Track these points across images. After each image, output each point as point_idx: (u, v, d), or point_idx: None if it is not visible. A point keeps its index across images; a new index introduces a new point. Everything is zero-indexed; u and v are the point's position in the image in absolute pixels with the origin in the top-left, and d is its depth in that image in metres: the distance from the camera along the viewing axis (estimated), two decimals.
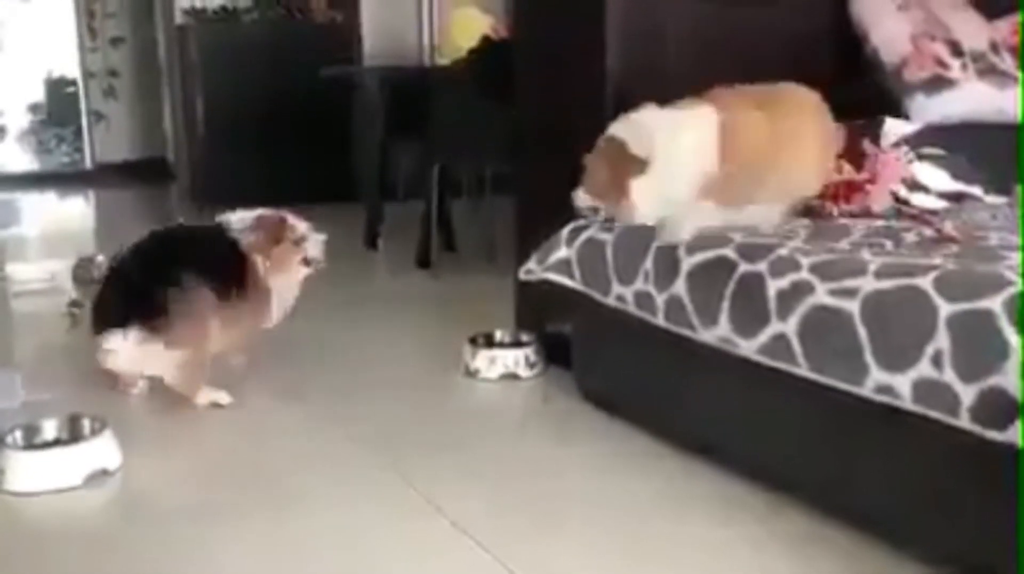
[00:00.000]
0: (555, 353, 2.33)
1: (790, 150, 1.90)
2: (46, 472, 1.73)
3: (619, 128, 1.94)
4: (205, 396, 2.15)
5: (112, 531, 1.63)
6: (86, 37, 7.16)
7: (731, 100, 1.91)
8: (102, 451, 1.79)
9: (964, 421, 1.29)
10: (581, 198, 1.99)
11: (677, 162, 1.86)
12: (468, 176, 4.67)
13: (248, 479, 1.81)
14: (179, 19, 5.62)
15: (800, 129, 1.93)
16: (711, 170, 1.84)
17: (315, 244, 2.33)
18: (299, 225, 2.33)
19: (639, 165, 1.86)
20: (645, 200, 1.88)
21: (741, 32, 2.36)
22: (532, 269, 2.11)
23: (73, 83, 7.14)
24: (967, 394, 1.28)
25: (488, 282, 3.07)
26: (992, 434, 1.25)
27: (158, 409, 2.21)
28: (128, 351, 2.05)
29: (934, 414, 1.33)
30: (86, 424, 1.86)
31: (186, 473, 1.84)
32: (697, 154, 1.86)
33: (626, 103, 2.26)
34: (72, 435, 1.85)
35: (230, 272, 2.18)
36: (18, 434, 1.84)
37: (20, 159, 7.09)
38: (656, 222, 1.88)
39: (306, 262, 2.32)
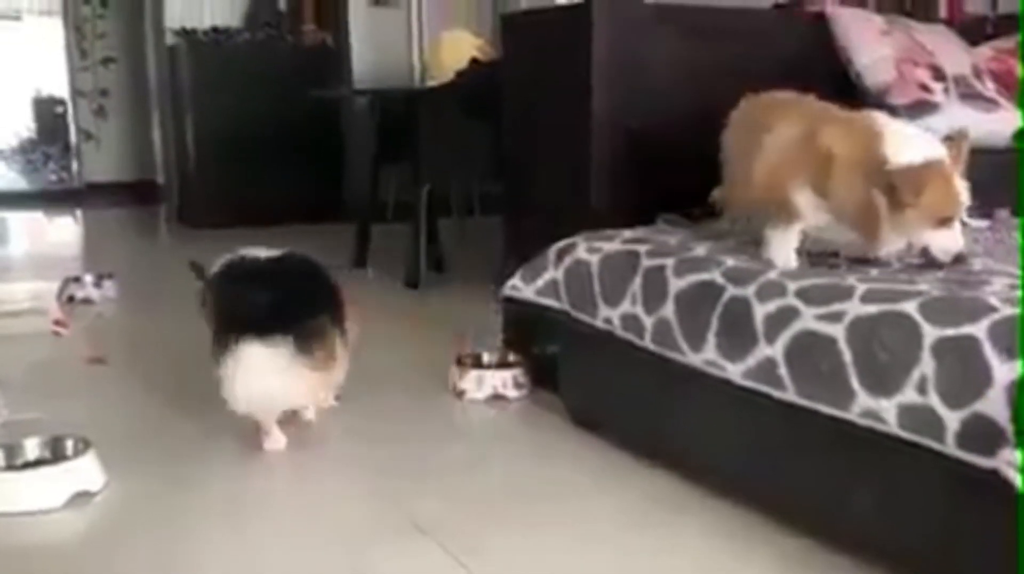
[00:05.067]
0: (544, 375, 2.33)
1: None
2: (27, 493, 1.71)
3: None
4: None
5: (91, 554, 1.61)
6: (76, 57, 7.17)
7: None
8: (84, 472, 1.77)
9: (950, 447, 1.29)
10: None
11: None
12: (457, 197, 4.69)
13: (231, 502, 1.80)
14: (170, 40, 5.64)
15: None
16: None
17: None
18: None
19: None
20: None
21: (727, 60, 2.39)
22: (518, 286, 2.11)
23: (62, 103, 7.15)
24: (952, 420, 1.28)
25: (476, 302, 3.07)
26: (978, 460, 1.25)
27: (141, 430, 2.19)
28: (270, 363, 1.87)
29: (920, 440, 1.33)
30: (69, 445, 1.84)
31: (170, 496, 1.82)
32: None
33: (611, 129, 2.29)
34: (54, 455, 1.83)
35: None
36: (0, 454, 1.82)
37: (8, 178, 7.08)
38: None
39: None
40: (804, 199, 1.69)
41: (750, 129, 1.87)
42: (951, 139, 1.65)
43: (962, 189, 1.58)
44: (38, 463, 1.82)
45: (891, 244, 1.64)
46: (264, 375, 1.86)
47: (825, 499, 1.52)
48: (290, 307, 1.91)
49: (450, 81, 3.72)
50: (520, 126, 2.60)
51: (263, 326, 1.86)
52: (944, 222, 1.58)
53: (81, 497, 1.74)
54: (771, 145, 1.76)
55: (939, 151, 1.60)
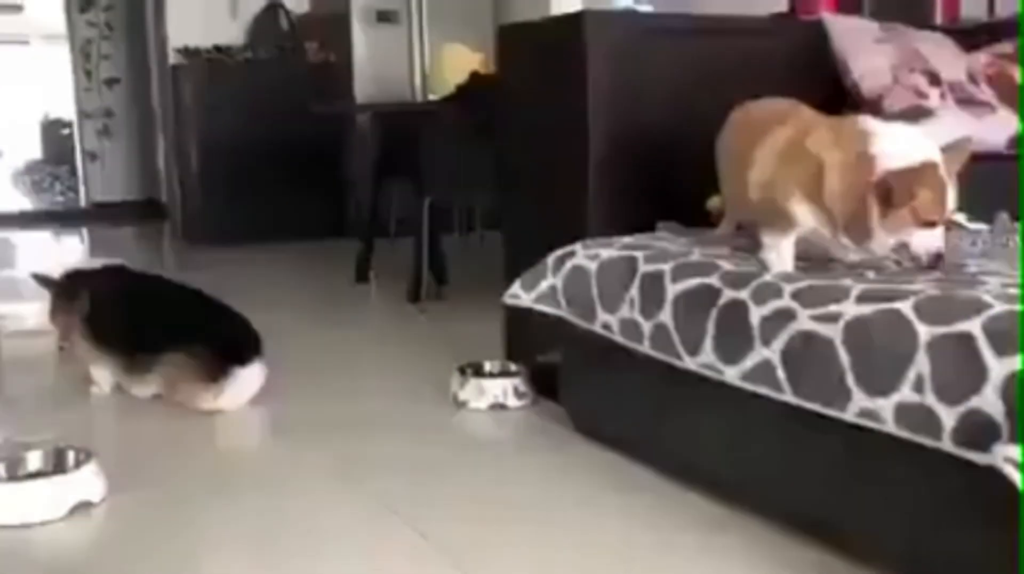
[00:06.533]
0: (546, 384, 2.33)
1: None
2: (28, 504, 1.71)
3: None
4: None
5: (92, 565, 1.62)
6: (82, 78, 7.24)
7: None
8: (86, 483, 1.78)
9: (946, 444, 1.29)
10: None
11: None
12: (459, 211, 4.71)
13: (233, 514, 1.80)
14: (173, 59, 5.69)
15: None
16: None
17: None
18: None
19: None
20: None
21: (724, 68, 2.40)
22: (517, 293, 2.12)
23: (68, 124, 7.22)
24: (948, 417, 1.28)
25: (479, 315, 3.07)
26: (974, 456, 1.25)
27: (146, 443, 2.20)
28: (257, 378, 2.39)
29: (917, 438, 1.33)
30: (70, 456, 1.85)
31: (171, 508, 1.82)
32: None
33: (607, 139, 2.30)
34: (56, 467, 1.84)
35: None
36: (1, 466, 1.83)
37: (15, 198, 7.14)
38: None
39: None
40: (799, 205, 1.70)
41: (744, 137, 1.88)
42: (952, 147, 1.66)
43: (950, 194, 1.59)
44: (39, 475, 1.82)
45: (879, 244, 1.64)
46: (255, 385, 2.40)
47: (824, 499, 1.52)
48: (251, 331, 2.43)
49: (450, 94, 3.75)
50: (517, 138, 2.61)
51: (256, 351, 2.39)
52: (928, 224, 1.59)
53: (82, 508, 1.75)
54: (765, 153, 1.77)
55: (931, 152, 1.61)
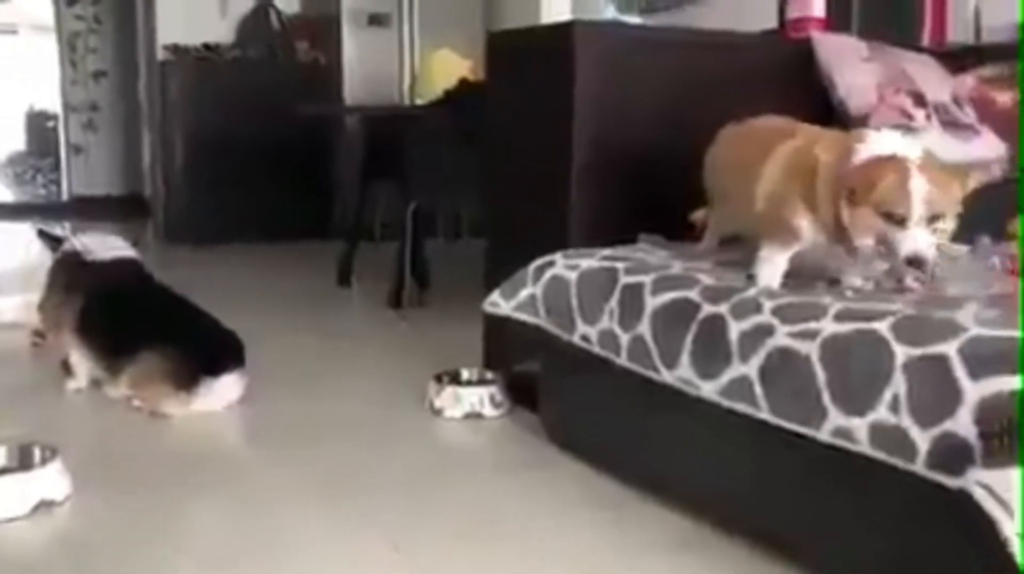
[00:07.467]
0: (523, 393, 2.31)
1: None
2: None
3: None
4: None
5: (52, 564, 1.59)
6: (68, 71, 7.19)
7: None
8: (49, 481, 1.74)
9: (920, 466, 1.28)
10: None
11: None
12: (444, 217, 4.70)
13: (200, 518, 1.77)
14: (161, 55, 5.65)
15: None
16: None
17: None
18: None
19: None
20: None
21: (711, 83, 2.39)
22: (497, 302, 2.10)
23: (53, 117, 7.16)
24: (923, 439, 1.27)
25: (459, 322, 3.05)
26: (947, 480, 1.24)
27: (116, 442, 2.17)
28: (233, 389, 2.38)
29: (891, 459, 1.32)
30: (36, 453, 1.82)
31: (137, 509, 1.79)
32: None
33: (593, 151, 2.29)
34: (21, 464, 1.81)
35: None
36: None
37: None
38: None
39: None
40: (801, 217, 1.69)
41: (749, 150, 1.86)
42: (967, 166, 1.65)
43: (920, 191, 1.52)
44: (3, 472, 1.79)
45: (859, 241, 1.61)
46: (231, 395, 2.38)
47: (798, 518, 1.51)
48: (233, 340, 2.42)
49: (438, 100, 3.73)
50: (503, 145, 2.60)
51: (236, 360, 2.39)
52: (898, 221, 1.55)
53: (45, 506, 1.72)
54: (774, 166, 1.76)
55: (909, 152, 1.59)
